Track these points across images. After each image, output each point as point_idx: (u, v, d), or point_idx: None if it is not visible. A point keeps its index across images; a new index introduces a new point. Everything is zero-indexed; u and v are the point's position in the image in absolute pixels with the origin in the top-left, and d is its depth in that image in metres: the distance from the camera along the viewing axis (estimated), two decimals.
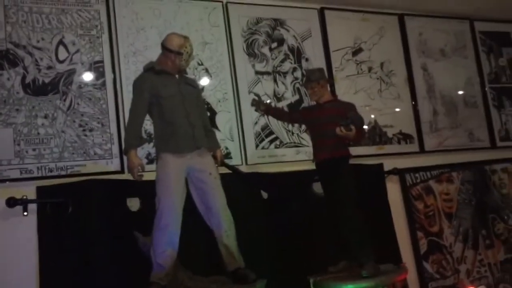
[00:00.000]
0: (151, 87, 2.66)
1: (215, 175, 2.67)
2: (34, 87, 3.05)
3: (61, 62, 3.15)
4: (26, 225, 2.85)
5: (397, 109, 4.22)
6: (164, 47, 2.75)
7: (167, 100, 2.65)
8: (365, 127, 3.99)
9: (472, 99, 4.60)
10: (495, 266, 4.24)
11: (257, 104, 3.33)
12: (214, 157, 2.85)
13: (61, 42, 3.18)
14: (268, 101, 3.66)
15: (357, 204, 2.93)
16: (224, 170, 2.98)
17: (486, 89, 4.68)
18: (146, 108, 2.66)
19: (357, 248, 2.86)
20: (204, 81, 3.54)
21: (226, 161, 3.17)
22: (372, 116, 4.11)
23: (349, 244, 2.90)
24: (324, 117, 3.05)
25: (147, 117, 2.77)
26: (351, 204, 2.89)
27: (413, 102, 4.30)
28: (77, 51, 3.21)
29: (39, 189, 2.91)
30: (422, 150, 4.24)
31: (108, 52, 3.27)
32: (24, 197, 2.84)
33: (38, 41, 3.12)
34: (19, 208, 2.83)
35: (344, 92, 3.99)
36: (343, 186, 2.94)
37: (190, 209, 2.67)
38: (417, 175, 4.12)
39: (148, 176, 2.67)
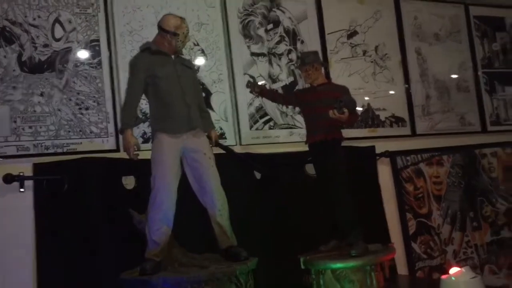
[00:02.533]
0: (147, 67, 2.69)
1: (209, 155, 2.72)
2: (30, 64, 3.07)
3: (57, 40, 3.16)
4: (23, 201, 2.90)
5: (390, 92, 4.27)
6: (160, 27, 2.77)
7: (163, 80, 2.68)
8: (360, 109, 4.06)
9: (465, 83, 4.65)
10: (482, 247, 4.35)
11: (252, 86, 3.36)
12: (209, 137, 2.89)
13: (57, 20, 3.18)
14: (263, 83, 3.69)
15: (348, 185, 2.99)
16: (219, 151, 3.03)
17: (478, 73, 4.73)
18: (142, 88, 2.69)
19: (347, 228, 2.94)
20: (200, 62, 3.56)
21: (221, 141, 3.22)
22: (366, 98, 4.15)
23: (339, 224, 2.98)
24: (318, 100, 3.09)
25: (143, 97, 2.80)
26: (342, 186, 2.96)
27: (406, 86, 4.35)
28: (73, 29, 3.21)
29: (36, 166, 2.95)
30: (413, 134, 4.30)
31: (104, 31, 3.28)
32: (21, 174, 2.89)
33: (34, 19, 3.12)
34: (15, 184, 2.88)
35: (339, 74, 4.03)
36: (334, 167, 3.00)
37: (184, 188, 2.73)
38: (408, 158, 4.19)
39: (143, 155, 2.71)
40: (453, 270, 2.81)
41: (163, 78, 2.68)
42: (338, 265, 2.78)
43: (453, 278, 2.76)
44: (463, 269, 2.79)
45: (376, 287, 2.79)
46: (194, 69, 3.03)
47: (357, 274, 2.76)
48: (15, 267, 2.82)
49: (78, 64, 3.19)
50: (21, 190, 2.89)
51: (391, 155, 4.09)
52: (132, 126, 2.67)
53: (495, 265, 4.38)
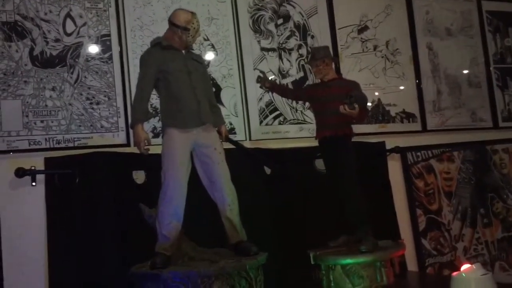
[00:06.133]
0: (158, 62, 2.68)
1: (219, 150, 2.72)
2: (42, 59, 3.09)
3: (69, 35, 3.18)
4: (34, 195, 2.94)
5: (401, 88, 4.24)
6: (171, 22, 2.76)
7: (174, 75, 2.68)
8: (369, 105, 4.04)
9: (476, 79, 4.61)
10: (492, 244, 4.32)
11: (262, 81, 3.36)
12: (219, 132, 2.89)
13: (68, 15, 3.20)
14: (273, 78, 3.68)
15: (358, 181, 2.98)
16: (229, 146, 3.03)
17: (490, 69, 4.68)
18: (152, 83, 2.69)
19: (357, 224, 2.93)
20: (210, 57, 3.56)
21: (231, 136, 3.22)
22: (376, 94, 4.13)
23: (349, 220, 2.97)
24: (328, 95, 3.08)
25: (154, 92, 2.81)
26: (352, 181, 2.95)
27: (417, 81, 4.31)
28: (84, 24, 3.23)
29: (47, 160, 2.98)
30: (424, 129, 4.27)
31: (115, 25, 3.29)
32: (33, 168, 2.91)
33: (45, 14, 3.14)
34: (27, 178, 2.90)
35: (349, 70, 4.01)
36: (344, 163, 2.99)
37: (195, 183, 2.73)
38: (418, 153, 4.16)
39: (153, 150, 2.72)
40: (464, 267, 2.79)
41: (174, 73, 2.68)
42: (348, 260, 2.77)
43: (464, 275, 2.75)
44: (474, 266, 2.78)
45: (386, 283, 2.78)
46: (204, 64, 3.03)
47: (367, 270, 2.75)
48: (26, 260, 2.85)
49: (89, 58, 3.21)
50: (33, 184, 2.92)
51: (402, 151, 4.07)
52: (143, 121, 2.67)
53: (506, 262, 4.35)
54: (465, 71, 4.56)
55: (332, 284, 2.75)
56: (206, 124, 2.71)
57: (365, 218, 2.92)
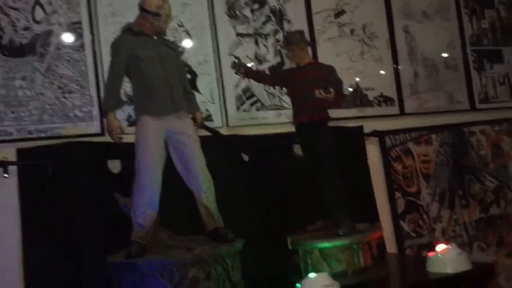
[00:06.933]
0: (129, 48, 2.64)
1: (194, 138, 2.69)
2: (11, 48, 3.02)
3: (38, 23, 3.11)
4: (7, 187, 2.88)
5: (379, 72, 4.24)
6: (141, 8, 2.71)
7: (145, 62, 2.63)
8: (350, 89, 4.04)
9: (453, 61, 4.62)
10: (470, 225, 4.38)
11: (237, 67, 3.32)
12: (194, 119, 2.86)
13: (37, 2, 3.12)
14: (250, 64, 3.65)
15: (336, 165, 2.98)
16: (205, 133, 3.00)
17: (467, 51, 4.70)
18: (124, 70, 2.65)
19: (334, 208, 2.93)
20: (185, 43, 3.51)
21: (207, 123, 3.19)
22: (354, 78, 4.12)
23: (326, 204, 2.97)
24: (304, 80, 3.06)
25: (128, 80, 2.76)
26: (329, 166, 2.95)
27: (394, 65, 4.31)
28: (54, 11, 3.15)
29: (20, 151, 2.92)
30: (402, 113, 4.28)
31: (86, 13, 3.22)
32: (4, 159, 2.86)
33: (14, 1, 3.06)
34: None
35: (326, 54, 3.99)
36: (321, 148, 2.99)
37: (170, 171, 2.71)
38: (396, 137, 4.18)
39: (129, 138, 2.67)
40: (440, 247, 2.83)
41: (145, 59, 2.63)
42: (325, 244, 2.78)
43: (439, 256, 2.79)
44: (449, 246, 2.82)
45: (364, 266, 2.80)
46: (177, 50, 2.98)
47: (344, 253, 2.76)
48: (1, 252, 2.81)
49: (60, 47, 3.14)
50: (5, 175, 2.87)
51: (380, 135, 4.08)
52: (115, 108, 2.63)
53: (484, 242, 4.42)
54: (442, 54, 4.57)
55: (310, 268, 2.75)
56: (180, 111, 2.67)
57: (342, 202, 2.92)
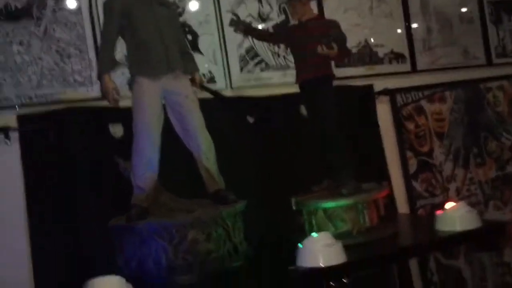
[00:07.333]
0: (122, 8, 2.55)
1: (192, 98, 2.63)
2: (6, 12, 2.96)
3: None
4: (10, 153, 2.87)
5: (389, 28, 4.07)
6: None
7: (139, 21, 2.55)
8: (356, 47, 3.90)
9: (468, 14, 4.41)
10: (486, 183, 4.26)
11: (236, 24, 3.22)
12: (193, 80, 2.79)
13: None
14: (251, 23, 3.53)
15: (339, 124, 2.89)
16: (207, 95, 2.93)
17: (483, 3, 4.47)
18: (117, 30, 2.57)
19: (338, 167, 2.86)
20: (185, 3, 3.41)
21: (209, 85, 3.12)
22: (363, 35, 3.97)
23: (330, 164, 2.90)
24: (306, 36, 2.94)
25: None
26: (331, 123, 2.86)
27: (406, 20, 4.13)
28: None
29: (20, 118, 2.90)
30: (414, 70, 4.13)
31: None
32: (5, 126, 2.85)
33: None
34: (1, 138, 2.84)
35: (333, 10, 3.84)
36: (325, 105, 2.90)
37: (171, 133, 2.66)
38: (408, 95, 4.05)
39: (130, 103, 2.63)
40: (449, 205, 2.75)
41: (139, 19, 2.55)
42: (329, 204, 2.72)
43: (448, 213, 2.71)
44: (458, 204, 2.74)
45: (369, 225, 2.74)
46: (173, 8, 2.90)
47: (349, 213, 2.70)
48: (7, 218, 2.82)
49: (57, 10, 3.07)
50: (7, 142, 2.86)
51: (391, 93, 3.96)
52: (110, 69, 2.57)
53: (501, 200, 4.31)
54: (457, 7, 4.36)
55: (315, 229, 2.70)
56: (176, 71, 2.60)
57: (346, 161, 2.84)
